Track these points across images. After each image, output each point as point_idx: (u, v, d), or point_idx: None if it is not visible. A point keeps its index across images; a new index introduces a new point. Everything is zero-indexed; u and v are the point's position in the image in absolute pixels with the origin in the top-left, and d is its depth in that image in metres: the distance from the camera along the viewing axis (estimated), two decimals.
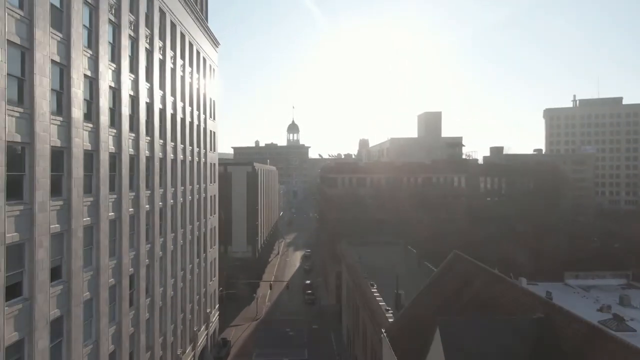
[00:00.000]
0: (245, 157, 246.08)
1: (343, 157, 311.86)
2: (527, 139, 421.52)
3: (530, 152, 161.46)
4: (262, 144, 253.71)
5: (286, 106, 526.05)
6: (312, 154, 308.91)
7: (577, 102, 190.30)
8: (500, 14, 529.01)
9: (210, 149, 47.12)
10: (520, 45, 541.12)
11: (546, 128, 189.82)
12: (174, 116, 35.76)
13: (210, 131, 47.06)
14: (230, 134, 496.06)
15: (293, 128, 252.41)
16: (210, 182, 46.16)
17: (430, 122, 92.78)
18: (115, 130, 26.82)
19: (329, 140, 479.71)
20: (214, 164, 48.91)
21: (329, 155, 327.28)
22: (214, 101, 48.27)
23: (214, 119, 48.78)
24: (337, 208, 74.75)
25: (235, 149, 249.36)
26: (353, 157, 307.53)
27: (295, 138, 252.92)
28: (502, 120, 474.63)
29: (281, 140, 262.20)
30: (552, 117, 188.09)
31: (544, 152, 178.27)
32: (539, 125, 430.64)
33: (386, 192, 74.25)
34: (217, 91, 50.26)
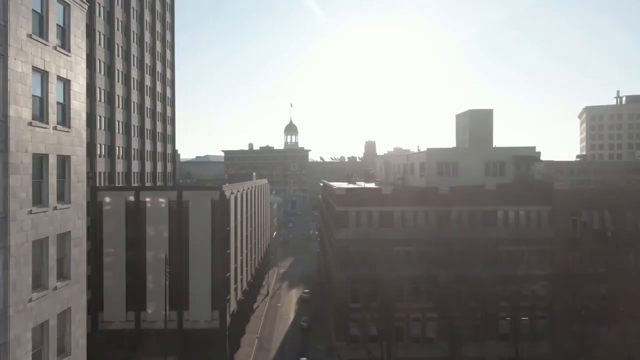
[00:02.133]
0: (237, 161, 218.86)
1: (347, 160, 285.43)
2: (539, 143, 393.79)
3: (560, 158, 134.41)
4: (257, 147, 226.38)
5: (285, 108, 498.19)
6: (313, 157, 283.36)
7: (623, 98, 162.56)
8: (503, 12, 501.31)
9: None
10: (525, 44, 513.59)
11: (586, 130, 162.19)
12: None
13: None
14: (226, 135, 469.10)
15: (291, 129, 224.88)
16: None
17: (478, 124, 65.39)
18: None
19: (330, 142, 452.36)
20: None
21: (332, 159, 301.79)
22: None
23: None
24: (349, 262, 47.54)
25: (225, 152, 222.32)
26: (358, 160, 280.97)
27: (293, 140, 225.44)
28: (511, 123, 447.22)
29: (278, 144, 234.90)
30: (593, 116, 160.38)
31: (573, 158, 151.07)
32: (557, 128, 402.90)
33: (426, 235, 47.07)
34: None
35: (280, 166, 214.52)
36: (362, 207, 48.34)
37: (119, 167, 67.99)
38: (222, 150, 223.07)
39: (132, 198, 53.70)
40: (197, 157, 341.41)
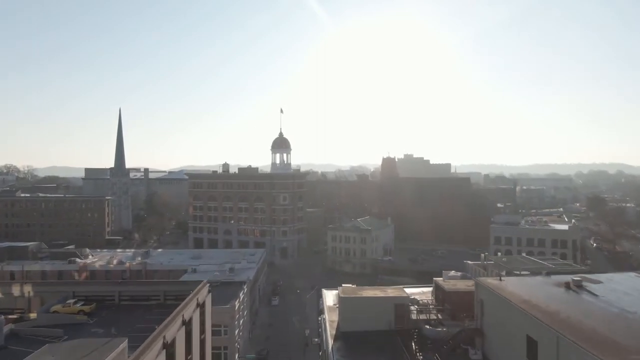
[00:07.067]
0: (204, 189, 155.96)
1: (357, 178, 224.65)
2: (545, 146, 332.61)
3: None
4: (235, 169, 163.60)
5: (276, 115, 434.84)
6: (312, 173, 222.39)
7: None
8: (503, 12, 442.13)
9: None
10: (526, 43, 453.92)
11: None
12: None
13: None
14: (210, 147, 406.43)
15: (281, 144, 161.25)
16: None
17: None
18: None
19: (330, 155, 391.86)
20: None
21: (337, 175, 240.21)
22: None
23: None
24: None
25: (190, 175, 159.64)
26: (371, 179, 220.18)
27: (285, 160, 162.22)
28: (511, 124, 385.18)
29: (266, 163, 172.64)
30: None
31: None
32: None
33: None
34: None
35: (267, 197, 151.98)
36: None
37: None
38: (185, 174, 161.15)
39: None
40: (169, 171, 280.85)
